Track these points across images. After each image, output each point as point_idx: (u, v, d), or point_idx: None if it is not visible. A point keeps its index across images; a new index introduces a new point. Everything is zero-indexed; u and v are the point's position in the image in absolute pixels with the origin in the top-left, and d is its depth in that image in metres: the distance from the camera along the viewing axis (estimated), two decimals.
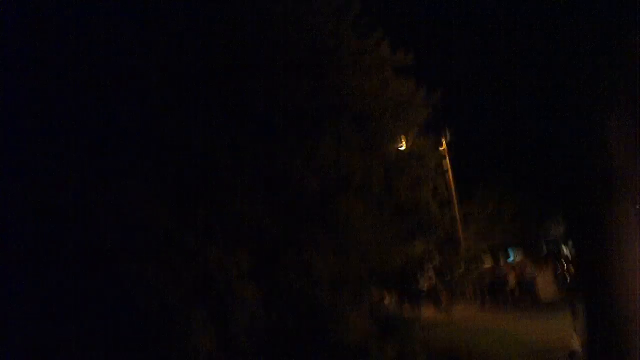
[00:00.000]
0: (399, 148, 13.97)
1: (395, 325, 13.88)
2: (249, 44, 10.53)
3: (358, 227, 11.61)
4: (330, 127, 11.18)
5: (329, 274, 11.08)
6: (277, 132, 10.60)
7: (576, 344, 10.74)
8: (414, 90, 12.94)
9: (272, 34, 10.75)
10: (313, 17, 11.32)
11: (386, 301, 15.50)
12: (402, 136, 14.13)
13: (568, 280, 12.97)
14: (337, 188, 11.25)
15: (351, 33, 11.87)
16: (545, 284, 22.69)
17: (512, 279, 24.73)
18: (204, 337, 9.69)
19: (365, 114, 11.83)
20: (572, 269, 14.07)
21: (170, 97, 10.09)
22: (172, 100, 10.09)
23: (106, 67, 9.84)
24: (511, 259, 32.72)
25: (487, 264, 29.57)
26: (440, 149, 27.24)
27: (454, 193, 28.57)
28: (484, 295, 26.30)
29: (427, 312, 19.97)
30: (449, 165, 28.55)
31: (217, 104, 10.31)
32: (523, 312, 20.59)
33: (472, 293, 27.54)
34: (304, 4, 11.32)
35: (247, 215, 10.38)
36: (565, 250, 26.70)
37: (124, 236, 9.51)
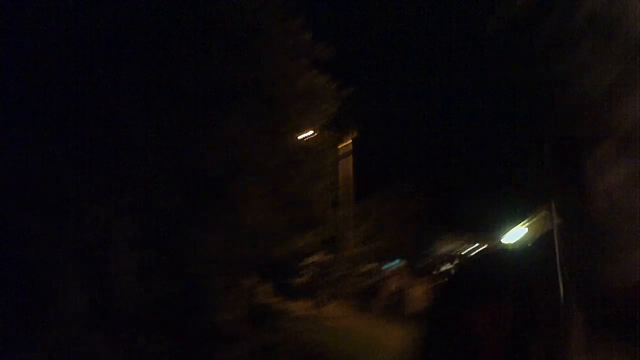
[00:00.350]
0: (303, 139, 13.86)
1: (269, 314, 13.88)
2: (166, 8, 10.11)
3: (250, 212, 11.44)
4: (239, 105, 10.89)
5: (213, 254, 10.88)
6: (183, 102, 10.22)
7: None
8: (327, 83, 12.85)
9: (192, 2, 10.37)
10: None
11: (264, 289, 15.40)
12: (308, 128, 14.03)
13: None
14: (235, 169, 11.01)
15: (275, 14, 11.59)
16: (421, 296, 23.13)
17: (391, 286, 25.12)
18: (77, 298, 9.32)
19: (275, 98, 11.59)
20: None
21: (81, 52, 9.61)
22: (82, 55, 9.60)
23: None
24: (394, 265, 33.29)
25: (371, 267, 29.96)
26: (344, 142, 27.30)
27: (351, 191, 28.75)
28: (361, 297, 26.61)
29: (303, 306, 19.99)
30: (351, 163, 28.67)
31: (127, 63, 9.86)
32: (396, 320, 20.92)
33: (350, 294, 27.82)
34: None
35: (143, 181, 10.02)
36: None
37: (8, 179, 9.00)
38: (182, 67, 10.38)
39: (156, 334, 9.98)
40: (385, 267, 31.30)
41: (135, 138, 9.95)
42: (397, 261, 31.92)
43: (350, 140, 28.13)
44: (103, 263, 9.47)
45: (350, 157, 28.31)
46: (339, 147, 24.90)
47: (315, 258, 18.57)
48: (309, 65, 12.60)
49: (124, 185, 9.95)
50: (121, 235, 9.52)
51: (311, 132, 14.18)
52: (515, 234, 17.65)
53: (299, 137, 13.55)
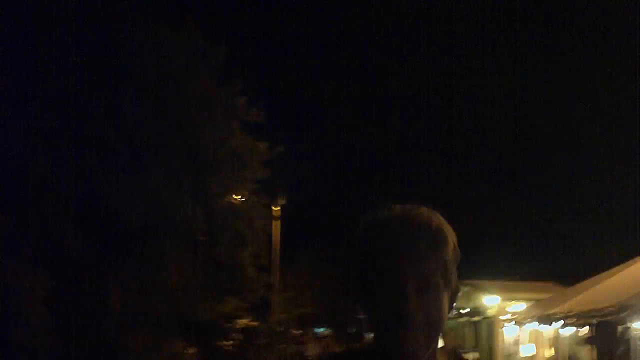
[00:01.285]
0: (231, 202, 13.80)
1: None
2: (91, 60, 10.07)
3: (171, 272, 11.22)
4: (164, 162, 10.77)
5: (129, 314, 10.60)
6: (103, 155, 10.04)
7: None
8: (257, 147, 12.94)
9: (130, 59, 10.37)
10: (174, 50, 11.07)
11: (189, 353, 15.06)
12: (238, 191, 14.00)
13: None
14: (156, 226, 10.81)
15: (210, 77, 11.67)
16: None
17: (314, 352, 24.83)
18: None
19: (204, 159, 11.56)
20: None
21: None
22: None
23: None
24: (320, 330, 32.99)
25: (296, 333, 29.60)
26: (274, 209, 27.25)
27: (277, 257, 28.55)
28: None
29: None
30: (278, 229, 28.50)
31: (47, 115, 9.71)
32: None
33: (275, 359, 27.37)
34: (168, 37, 11.08)
35: (55, 233, 9.72)
36: None
37: None
38: (101, 117, 10.21)
39: None
40: (315, 332, 31.02)
41: (47, 184, 9.64)
42: (323, 328, 31.67)
43: (279, 207, 28.02)
44: (8, 319, 9.02)
45: (279, 223, 28.15)
46: (273, 212, 24.89)
47: (241, 323, 18.31)
48: (240, 129, 12.69)
49: (34, 233, 9.62)
50: (30, 292, 9.11)
51: (240, 196, 14.14)
52: None
53: (228, 200, 13.49)
